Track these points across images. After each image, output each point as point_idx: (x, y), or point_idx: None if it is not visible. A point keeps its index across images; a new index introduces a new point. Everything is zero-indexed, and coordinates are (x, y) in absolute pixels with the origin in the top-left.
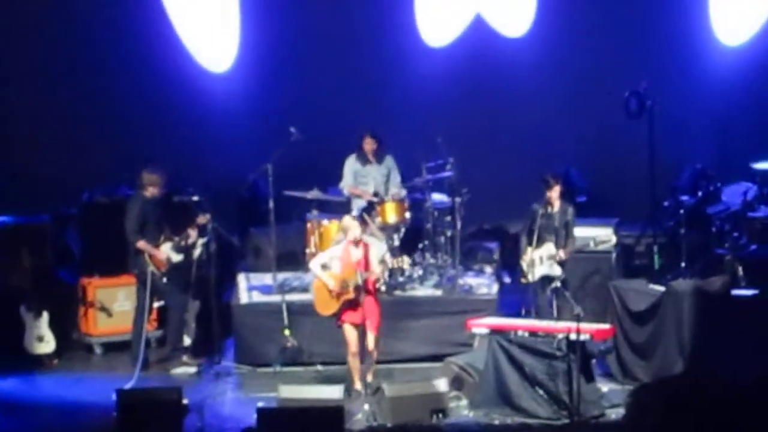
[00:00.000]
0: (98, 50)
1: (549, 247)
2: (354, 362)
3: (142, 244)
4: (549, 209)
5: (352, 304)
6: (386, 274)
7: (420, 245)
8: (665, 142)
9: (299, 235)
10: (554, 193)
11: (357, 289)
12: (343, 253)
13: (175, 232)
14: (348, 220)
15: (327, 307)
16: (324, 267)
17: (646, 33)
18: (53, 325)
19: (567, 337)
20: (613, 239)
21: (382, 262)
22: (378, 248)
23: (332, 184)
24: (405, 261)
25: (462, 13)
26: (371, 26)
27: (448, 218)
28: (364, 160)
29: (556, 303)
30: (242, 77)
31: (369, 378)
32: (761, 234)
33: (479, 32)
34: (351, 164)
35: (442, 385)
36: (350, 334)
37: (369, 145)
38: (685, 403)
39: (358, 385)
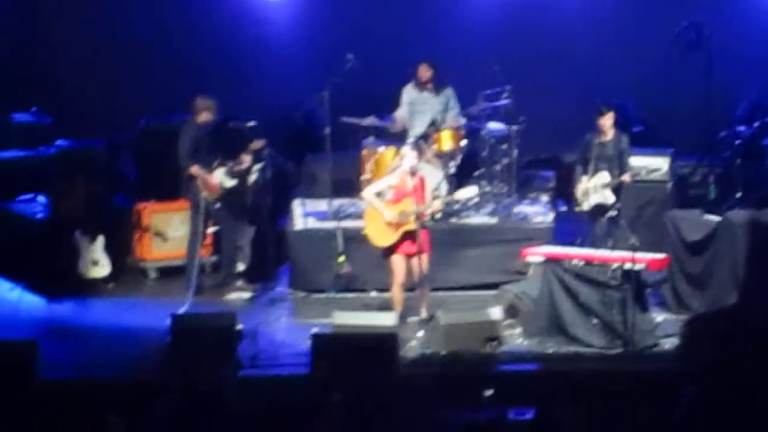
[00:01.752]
0: None
1: (603, 176)
2: (399, 293)
3: (194, 169)
4: (602, 138)
5: (410, 235)
6: (448, 207)
7: (476, 173)
8: (722, 72)
9: (355, 162)
10: (607, 121)
11: (417, 219)
12: (399, 182)
13: (230, 157)
14: (407, 149)
15: (384, 238)
16: (378, 195)
17: None
18: (108, 249)
19: (622, 267)
20: (665, 168)
21: (442, 196)
22: (434, 176)
23: (389, 112)
24: (472, 191)
25: None
26: None
27: (504, 146)
28: (421, 88)
29: (611, 232)
30: (299, 4)
31: (423, 313)
32: None
33: None
34: (408, 92)
35: (496, 313)
36: (400, 264)
37: (424, 71)
38: (738, 334)
39: (397, 313)
